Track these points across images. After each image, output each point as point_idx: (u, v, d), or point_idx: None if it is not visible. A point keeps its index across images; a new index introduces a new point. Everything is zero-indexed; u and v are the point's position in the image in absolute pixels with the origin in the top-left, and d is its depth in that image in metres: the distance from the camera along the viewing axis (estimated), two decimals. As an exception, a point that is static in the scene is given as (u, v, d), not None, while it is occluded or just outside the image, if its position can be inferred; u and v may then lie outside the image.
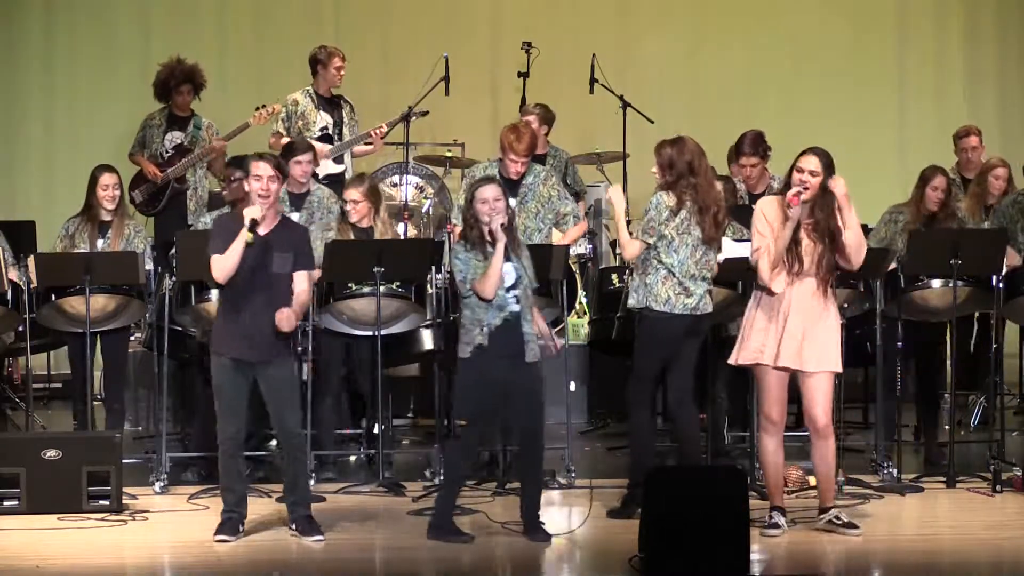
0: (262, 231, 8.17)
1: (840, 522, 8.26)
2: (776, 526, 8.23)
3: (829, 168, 8.16)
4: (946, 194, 10.04)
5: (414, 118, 11.87)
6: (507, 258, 8.14)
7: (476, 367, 8.12)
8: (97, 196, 9.93)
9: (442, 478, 8.89)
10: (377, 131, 11.73)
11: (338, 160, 11.75)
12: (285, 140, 11.32)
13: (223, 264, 8.13)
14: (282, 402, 8.26)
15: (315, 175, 10.66)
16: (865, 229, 9.58)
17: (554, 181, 10.03)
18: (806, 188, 8.09)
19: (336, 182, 11.24)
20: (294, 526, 8.33)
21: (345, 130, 11.91)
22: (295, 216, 9.90)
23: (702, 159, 8.64)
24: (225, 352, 8.20)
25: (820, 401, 8.22)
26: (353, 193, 9.87)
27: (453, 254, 8.27)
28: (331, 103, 11.95)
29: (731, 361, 8.38)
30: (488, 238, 8.14)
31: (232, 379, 8.19)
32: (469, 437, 8.30)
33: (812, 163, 8.15)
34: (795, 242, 8.13)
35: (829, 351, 8.21)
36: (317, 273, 8.73)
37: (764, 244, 8.17)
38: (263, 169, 8.19)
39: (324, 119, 11.90)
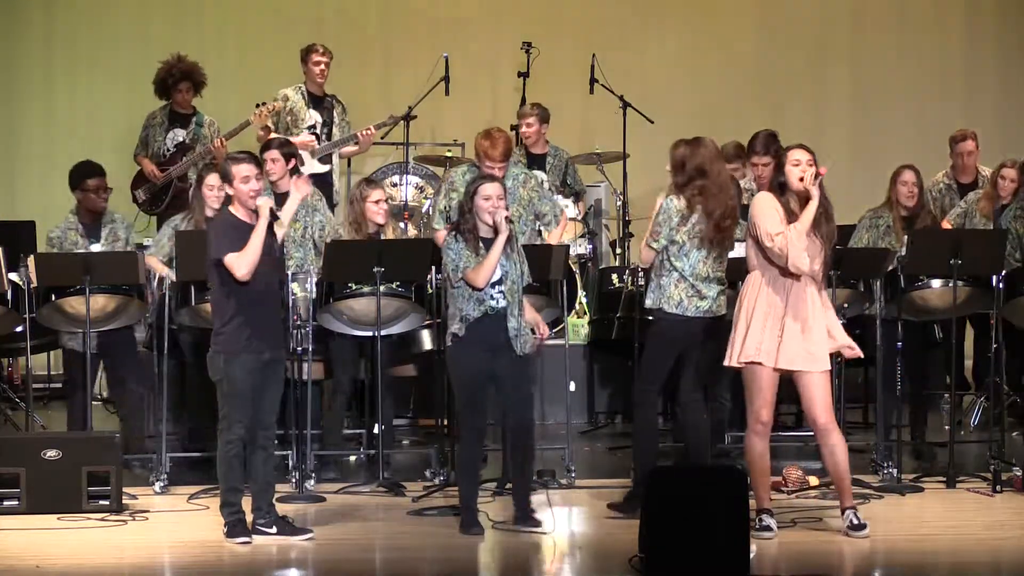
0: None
1: (848, 523, 8.23)
2: (768, 528, 8.19)
3: (816, 162, 8.20)
4: (918, 188, 10.10)
5: (397, 122, 11.91)
6: None
7: (456, 357, 8.31)
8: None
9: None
10: (366, 133, 11.74)
11: (324, 160, 11.74)
12: (273, 135, 11.47)
13: (248, 258, 8.03)
14: (273, 396, 8.26)
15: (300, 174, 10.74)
16: (845, 229, 9.62)
17: (533, 183, 9.85)
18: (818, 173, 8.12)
19: (322, 182, 11.22)
20: (274, 529, 8.27)
21: (335, 130, 11.93)
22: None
23: (715, 162, 8.58)
24: (258, 351, 8.12)
25: (819, 399, 8.18)
26: (378, 193, 9.92)
27: (444, 245, 8.40)
28: (321, 102, 11.97)
29: (727, 363, 8.28)
30: (488, 232, 8.26)
31: (256, 379, 8.15)
32: (464, 426, 8.41)
33: (808, 156, 8.16)
34: None
35: (825, 348, 8.19)
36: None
37: (785, 228, 8.06)
38: (248, 170, 8.18)
39: (313, 117, 11.93)
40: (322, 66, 11.94)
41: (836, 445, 8.23)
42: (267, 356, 8.16)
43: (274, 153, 9.96)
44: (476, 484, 8.48)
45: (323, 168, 11.71)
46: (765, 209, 8.16)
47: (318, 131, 11.92)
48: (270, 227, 8.14)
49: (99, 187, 9.96)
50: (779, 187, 8.20)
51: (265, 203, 8.14)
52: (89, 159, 10.18)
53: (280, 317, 8.24)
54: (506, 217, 8.24)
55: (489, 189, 8.32)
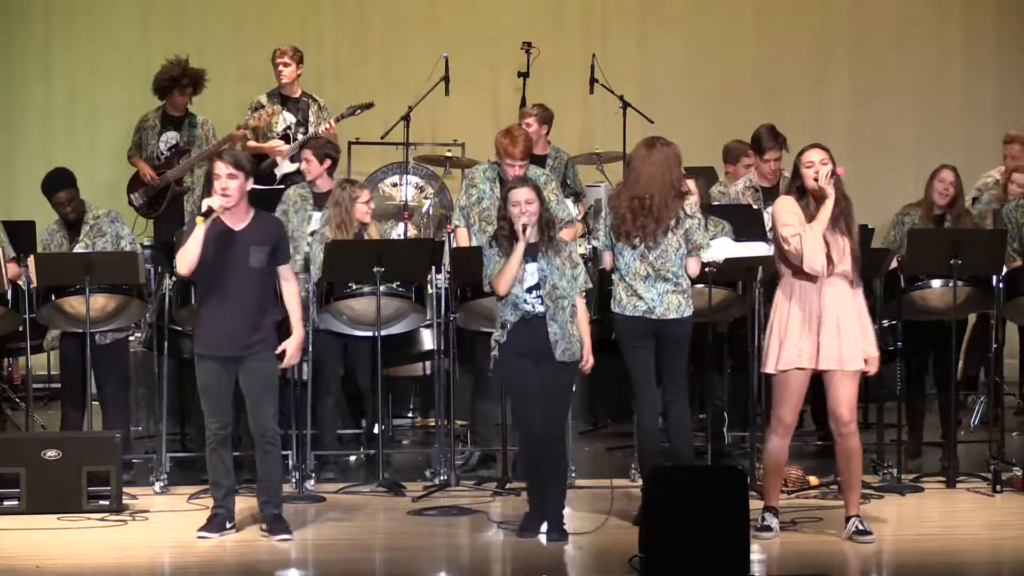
0: (238, 228, 8.23)
1: (854, 529, 8.18)
2: (769, 528, 8.19)
3: (832, 159, 8.15)
4: (954, 188, 10.02)
5: (357, 113, 11.87)
6: (532, 259, 8.22)
7: (502, 363, 8.29)
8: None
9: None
10: (326, 129, 11.71)
11: (295, 159, 11.70)
12: (252, 143, 11.60)
13: (183, 255, 8.16)
14: (259, 395, 8.26)
15: (274, 176, 10.81)
16: (867, 230, 9.59)
17: (553, 186, 9.89)
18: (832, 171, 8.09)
19: (293, 182, 11.15)
20: (264, 525, 8.33)
21: (311, 129, 11.90)
22: (316, 216, 10.10)
23: (641, 161, 8.51)
24: (208, 352, 8.24)
25: (847, 399, 8.12)
26: (366, 194, 9.97)
27: (485, 251, 8.38)
28: (296, 103, 11.94)
29: (768, 370, 8.19)
30: (513, 238, 8.21)
31: (217, 377, 8.23)
32: (518, 431, 8.40)
33: (822, 155, 8.12)
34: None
35: (860, 347, 8.15)
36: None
37: (800, 229, 8.03)
38: (220, 168, 8.22)
39: (286, 119, 11.90)
40: (284, 67, 11.90)
41: (854, 449, 8.19)
42: (225, 354, 8.19)
43: (307, 153, 10.32)
44: (538, 488, 8.31)
45: (293, 167, 11.65)
46: (783, 212, 8.15)
47: (291, 132, 11.90)
48: (231, 230, 8.20)
49: (67, 200, 9.86)
50: (798, 191, 8.18)
51: (207, 201, 8.21)
52: (60, 168, 10.05)
53: (252, 318, 8.20)
54: (524, 225, 8.16)
55: (516, 195, 8.27)
